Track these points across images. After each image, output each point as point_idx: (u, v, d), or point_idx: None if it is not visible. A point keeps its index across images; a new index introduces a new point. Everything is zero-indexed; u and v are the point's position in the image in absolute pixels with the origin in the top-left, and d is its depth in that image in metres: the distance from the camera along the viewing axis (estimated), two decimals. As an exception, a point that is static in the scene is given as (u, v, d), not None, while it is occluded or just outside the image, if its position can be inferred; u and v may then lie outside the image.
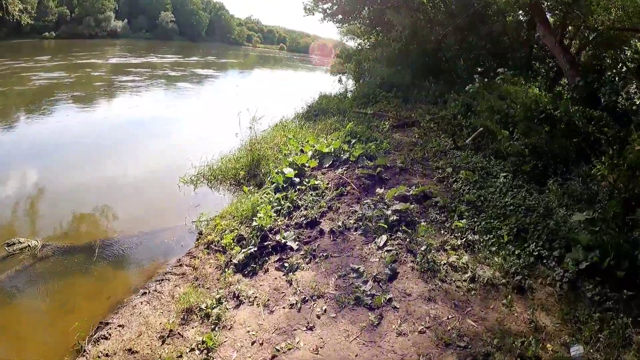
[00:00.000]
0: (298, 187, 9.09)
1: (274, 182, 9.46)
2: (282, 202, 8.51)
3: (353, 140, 11.48)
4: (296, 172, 9.63)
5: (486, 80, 13.65)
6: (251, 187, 10.14)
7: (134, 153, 14.74)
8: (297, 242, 7.02)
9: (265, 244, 7.14)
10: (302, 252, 6.78)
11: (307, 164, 10.13)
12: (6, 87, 24.03)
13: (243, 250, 7.09)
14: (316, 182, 9.04)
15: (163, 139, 16.69)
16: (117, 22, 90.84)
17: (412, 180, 9.14)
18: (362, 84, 23.94)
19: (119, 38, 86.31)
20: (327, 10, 27.27)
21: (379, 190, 8.46)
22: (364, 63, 25.61)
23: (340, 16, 27.69)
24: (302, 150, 11.22)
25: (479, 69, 20.06)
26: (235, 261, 6.92)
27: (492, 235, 6.80)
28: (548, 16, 17.18)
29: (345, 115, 16.09)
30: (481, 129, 11.65)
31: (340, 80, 27.08)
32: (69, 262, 7.68)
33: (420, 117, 14.89)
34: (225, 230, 8.14)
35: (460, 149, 11.23)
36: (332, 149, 10.58)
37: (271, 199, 8.73)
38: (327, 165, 10.19)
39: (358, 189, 8.74)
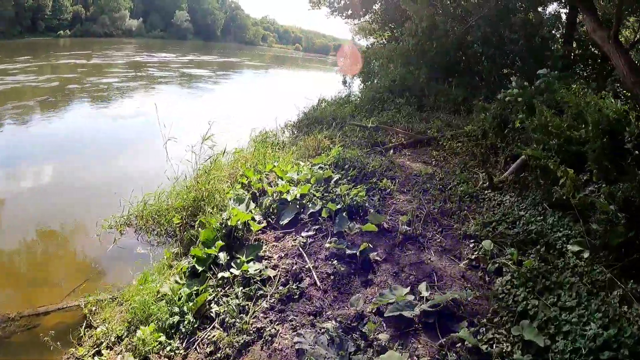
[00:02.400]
0: (222, 274, 5.31)
1: (194, 257, 5.79)
2: (186, 310, 4.86)
3: (336, 177, 7.64)
4: (227, 241, 5.97)
5: (527, 84, 9.95)
6: (176, 251, 6.89)
7: (52, 184, 11.51)
8: None
9: None
10: None
11: (252, 222, 6.35)
12: None
13: None
14: (252, 269, 5.22)
15: (101, 163, 13.10)
16: (132, 20, 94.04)
17: (423, 264, 5.29)
18: (369, 86, 20.13)
19: (133, 37, 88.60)
20: (335, 4, 24.41)
21: (358, 297, 4.55)
22: (373, 62, 21.88)
23: (350, 11, 24.81)
24: (258, 193, 7.52)
25: (505, 70, 16.75)
26: None
27: None
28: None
29: (343, 126, 12.57)
30: (524, 156, 7.88)
31: (344, 82, 23.34)
32: None
33: (439, 133, 11.21)
34: (104, 342, 5.02)
35: (498, 188, 7.49)
36: (298, 195, 6.84)
37: (180, 292, 5.14)
38: (286, 221, 6.43)
39: (322, 287, 4.93)
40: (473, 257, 5.43)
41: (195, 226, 7.24)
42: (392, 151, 10.07)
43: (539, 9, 17.62)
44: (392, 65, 18.99)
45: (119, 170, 12.42)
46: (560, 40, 16.95)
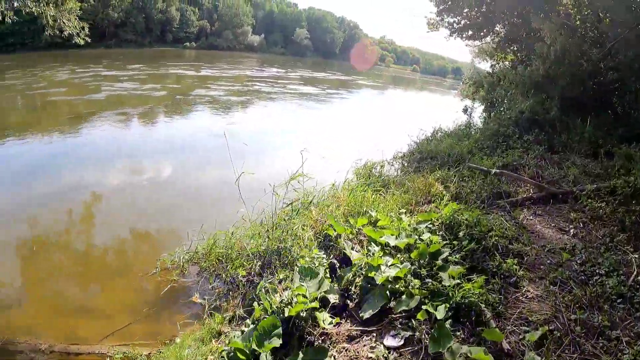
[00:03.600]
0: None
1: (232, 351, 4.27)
2: None
3: (446, 252, 5.67)
4: (284, 328, 4.36)
5: None
6: (229, 315, 5.68)
7: (120, 200, 11.04)
8: None
9: None
10: None
11: (319, 315, 4.65)
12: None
13: None
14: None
15: (175, 186, 12.32)
16: (254, 36, 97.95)
17: None
18: (492, 117, 17.88)
19: (255, 52, 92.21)
20: (454, 24, 22.62)
21: None
22: (498, 88, 19.66)
23: (470, 32, 22.86)
24: (341, 258, 5.92)
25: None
26: None
27: None
28: None
29: (459, 167, 10.69)
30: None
31: (465, 110, 21.36)
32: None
33: (576, 186, 9.04)
34: None
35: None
36: (390, 277, 5.04)
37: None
38: (368, 314, 4.66)
39: None
40: None
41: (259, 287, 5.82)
42: (519, 208, 8.18)
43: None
44: (519, 95, 16.72)
45: (196, 196, 11.61)
46: None
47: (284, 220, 7.25)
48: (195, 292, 6.67)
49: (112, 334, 5.86)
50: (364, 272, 5.27)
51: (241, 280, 6.42)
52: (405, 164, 12.60)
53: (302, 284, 4.89)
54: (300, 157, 7.63)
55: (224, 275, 6.84)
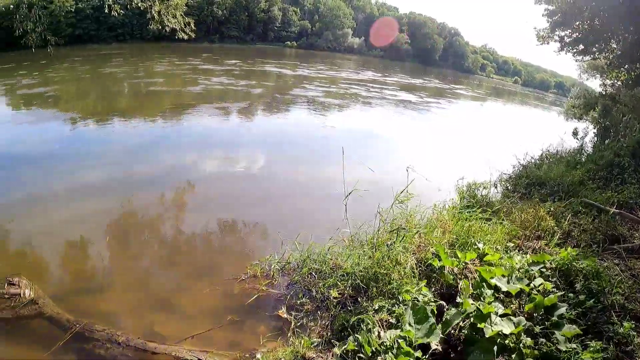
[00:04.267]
0: None
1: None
2: None
3: (562, 308, 4.93)
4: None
5: None
6: (317, 341, 5.28)
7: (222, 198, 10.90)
8: None
9: None
10: None
11: None
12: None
13: None
14: None
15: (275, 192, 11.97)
16: (354, 39, 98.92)
17: None
18: (606, 145, 16.43)
19: (354, 54, 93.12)
20: (565, 38, 21.22)
21: None
22: (613, 111, 18.17)
23: (581, 46, 21.41)
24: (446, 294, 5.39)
25: None
26: None
27: None
28: None
29: (571, 199, 9.86)
30: None
31: (575, 134, 20.05)
32: (38, 333, 5.59)
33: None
34: None
35: None
36: (501, 331, 4.49)
37: None
38: None
39: None
40: None
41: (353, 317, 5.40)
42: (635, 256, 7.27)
43: None
44: (636, 122, 15.27)
45: (291, 196, 11.52)
46: None
47: (386, 245, 6.76)
48: (282, 306, 6.31)
49: (192, 337, 5.69)
50: (471, 319, 4.72)
51: (332, 301, 6.06)
52: (510, 187, 11.94)
53: (411, 327, 4.42)
54: (406, 174, 7.07)
55: (314, 292, 6.47)
